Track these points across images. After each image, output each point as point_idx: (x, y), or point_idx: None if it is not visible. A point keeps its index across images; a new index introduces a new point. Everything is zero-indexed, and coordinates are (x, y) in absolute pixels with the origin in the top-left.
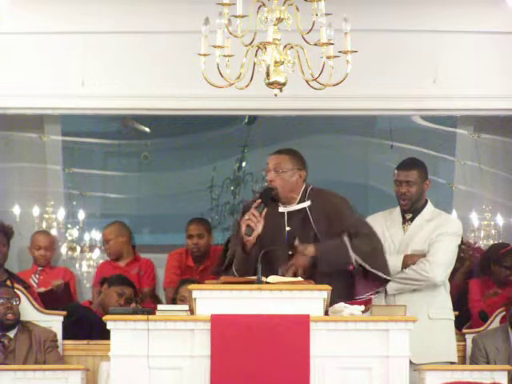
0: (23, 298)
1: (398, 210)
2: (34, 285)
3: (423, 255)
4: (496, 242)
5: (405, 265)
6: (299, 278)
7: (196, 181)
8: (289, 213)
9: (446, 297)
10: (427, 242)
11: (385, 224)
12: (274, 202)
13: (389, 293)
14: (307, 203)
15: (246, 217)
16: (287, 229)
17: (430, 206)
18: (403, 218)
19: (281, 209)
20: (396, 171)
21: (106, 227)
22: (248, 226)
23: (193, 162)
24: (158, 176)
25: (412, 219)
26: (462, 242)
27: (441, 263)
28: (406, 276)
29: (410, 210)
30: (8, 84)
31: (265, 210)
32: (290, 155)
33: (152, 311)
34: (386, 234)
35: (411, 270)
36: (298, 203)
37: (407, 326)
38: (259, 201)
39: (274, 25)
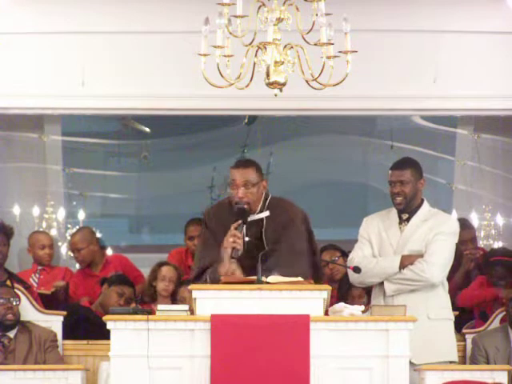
0: (23, 298)
1: (394, 210)
2: (34, 285)
3: (420, 255)
4: (497, 245)
5: (402, 265)
6: (299, 278)
7: (196, 181)
8: (248, 223)
9: (445, 297)
10: (424, 241)
11: (382, 225)
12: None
13: (387, 294)
14: (266, 213)
15: (231, 239)
16: (246, 239)
17: (426, 206)
18: (400, 218)
19: None
20: (390, 172)
21: (74, 235)
22: (234, 248)
23: (193, 162)
24: (158, 176)
25: (408, 219)
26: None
27: (438, 263)
28: (403, 277)
29: (406, 210)
30: (8, 84)
31: (244, 227)
32: (254, 167)
33: (152, 311)
34: (384, 235)
35: (409, 270)
36: (258, 213)
37: (407, 326)
38: (239, 222)
39: (274, 25)
